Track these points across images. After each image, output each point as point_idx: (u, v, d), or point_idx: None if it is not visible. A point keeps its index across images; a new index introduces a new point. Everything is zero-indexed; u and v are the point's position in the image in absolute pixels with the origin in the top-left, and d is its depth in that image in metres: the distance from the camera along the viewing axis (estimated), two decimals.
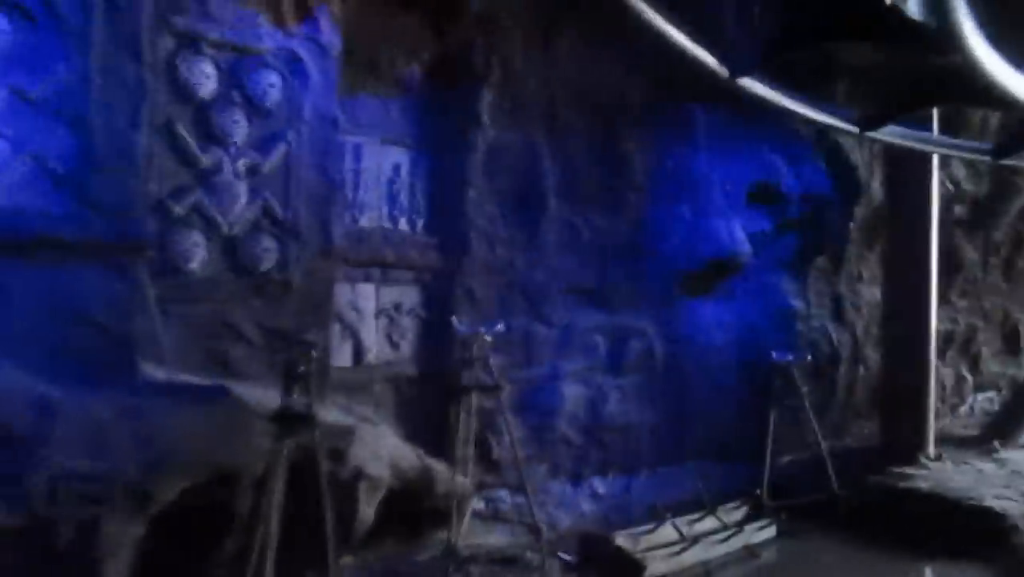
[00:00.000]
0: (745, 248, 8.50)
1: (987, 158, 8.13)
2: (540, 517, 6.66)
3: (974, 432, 10.24)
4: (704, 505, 7.66)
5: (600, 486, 8.10)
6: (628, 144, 8.14)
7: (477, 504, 7.03)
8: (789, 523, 7.79)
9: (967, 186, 10.88)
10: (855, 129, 7.02)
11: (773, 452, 8.22)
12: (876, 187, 9.93)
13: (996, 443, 9.34)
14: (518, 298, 7.64)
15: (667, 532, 7.00)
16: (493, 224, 7.40)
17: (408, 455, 6.10)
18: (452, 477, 6.26)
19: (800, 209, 9.02)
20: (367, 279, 6.79)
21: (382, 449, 5.81)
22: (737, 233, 8.49)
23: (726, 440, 8.58)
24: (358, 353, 6.75)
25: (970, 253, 11.14)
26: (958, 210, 10.81)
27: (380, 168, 6.93)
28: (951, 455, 9.00)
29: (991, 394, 11.46)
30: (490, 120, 7.30)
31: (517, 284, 7.62)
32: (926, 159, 8.86)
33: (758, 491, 7.93)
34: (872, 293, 10.10)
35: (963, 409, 11.21)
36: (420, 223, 7.19)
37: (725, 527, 7.37)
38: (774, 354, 8.32)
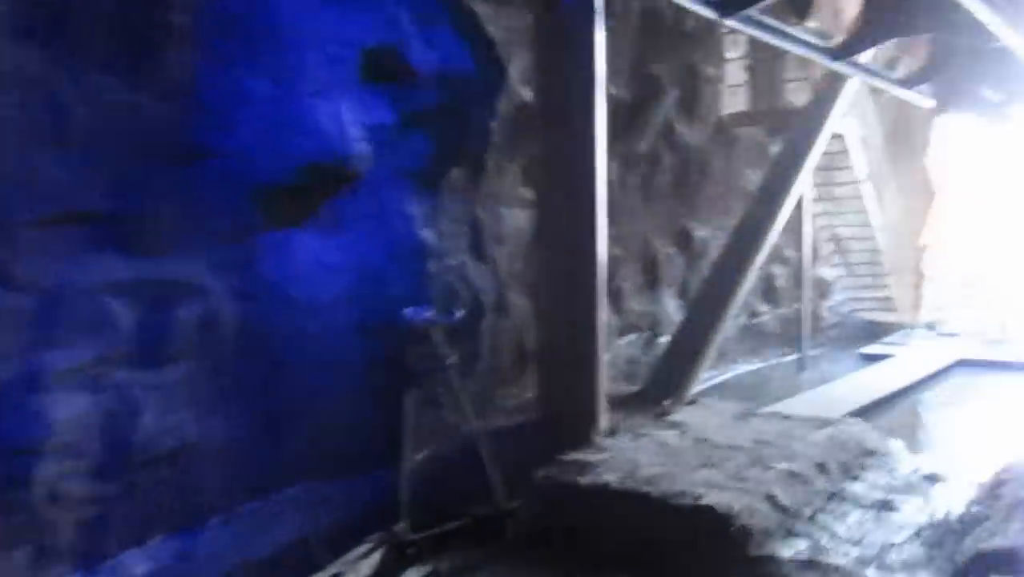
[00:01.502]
0: (360, 148, 5.69)
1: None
2: None
3: (632, 387, 8.80)
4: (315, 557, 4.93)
5: (137, 562, 4.84)
6: None
7: None
8: (443, 559, 5.39)
9: (608, 87, 9.24)
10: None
11: (413, 452, 5.72)
12: (517, 75, 7.74)
13: (666, 402, 7.87)
14: None
15: None
16: None
17: None
18: None
19: (437, 96, 6.44)
20: None
21: None
22: (348, 125, 5.64)
23: (346, 444, 5.82)
24: None
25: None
26: None
27: None
28: (622, 423, 7.28)
29: (634, 337, 10.22)
30: None
31: None
32: (589, 42, 6.81)
33: (398, 525, 5.36)
34: (516, 218, 7.99)
35: (607, 357, 9.75)
36: None
37: None
38: (407, 311, 5.71)
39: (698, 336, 8.89)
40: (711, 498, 5.55)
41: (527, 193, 7.96)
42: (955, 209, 15.31)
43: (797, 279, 13.78)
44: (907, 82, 12.76)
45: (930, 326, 13.70)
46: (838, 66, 10.22)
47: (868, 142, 14.09)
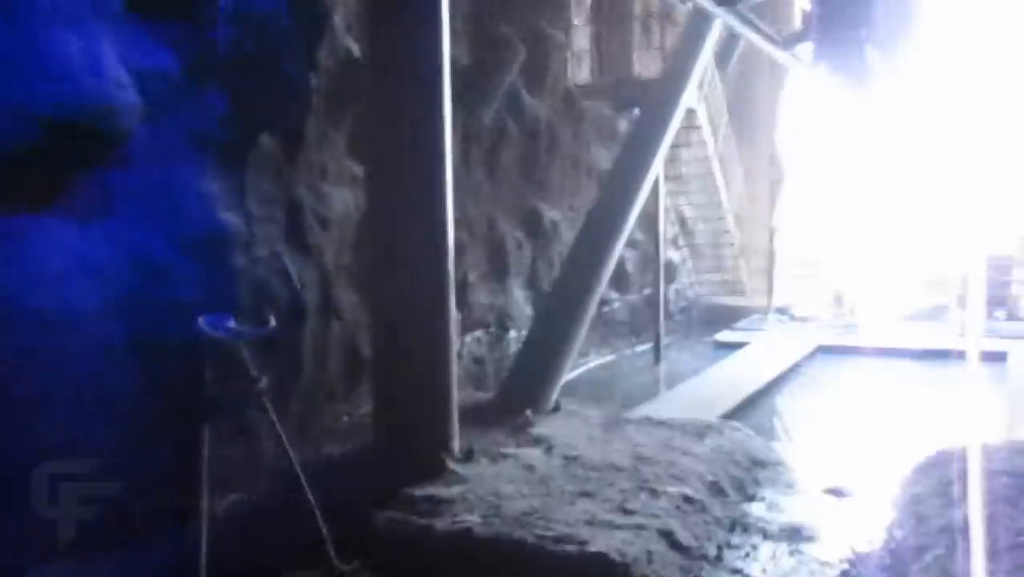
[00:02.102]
0: (128, 99, 4.25)
1: None
2: None
3: (482, 393, 7.72)
4: None
5: None
6: None
7: None
8: None
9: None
10: None
11: (213, 502, 4.38)
12: (342, 22, 6.45)
13: (527, 413, 6.84)
14: None
15: None
16: None
17: None
18: None
19: (238, 40, 5.05)
20: None
21: None
22: (110, 67, 4.18)
23: (114, 504, 4.36)
24: None
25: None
26: None
27: None
28: (478, 441, 6.18)
29: (480, 333, 9.15)
30: None
31: None
32: None
33: None
34: (343, 198, 6.70)
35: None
36: None
37: None
38: (203, 321, 4.33)
39: (558, 332, 7.91)
40: (600, 543, 4.53)
41: (356, 168, 6.70)
42: (804, 189, 15.27)
43: (646, 263, 13.20)
44: (785, 43, 12.30)
45: (781, 311, 13.46)
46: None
47: (715, 120, 13.68)
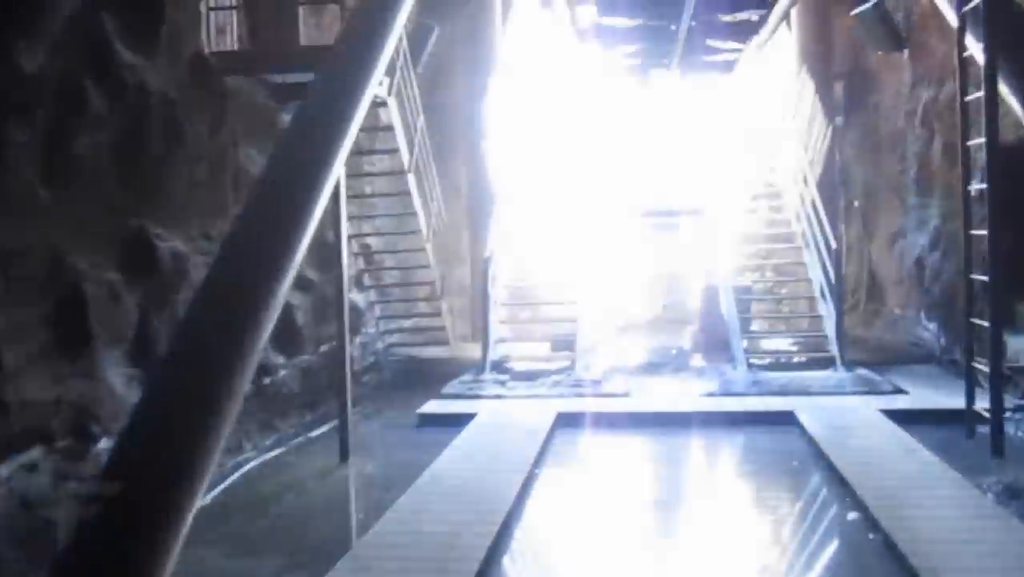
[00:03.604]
0: None
1: None
2: None
3: None
4: None
5: None
6: None
7: None
8: None
9: None
10: None
11: None
12: None
13: None
14: None
15: None
16: None
17: None
18: None
19: None
20: None
21: None
22: None
23: None
24: None
25: None
26: None
27: None
28: None
29: (35, 455, 5.20)
30: None
31: None
32: None
33: None
34: None
35: None
36: None
37: None
38: None
39: (177, 438, 4.23)
40: None
41: None
42: (518, 210, 12.76)
43: (323, 310, 9.86)
44: None
45: (499, 365, 10.68)
46: None
47: (409, 122, 10.68)
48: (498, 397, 9.48)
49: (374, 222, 11.58)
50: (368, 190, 11.19)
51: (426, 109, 12.73)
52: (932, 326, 11.15)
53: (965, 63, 6.95)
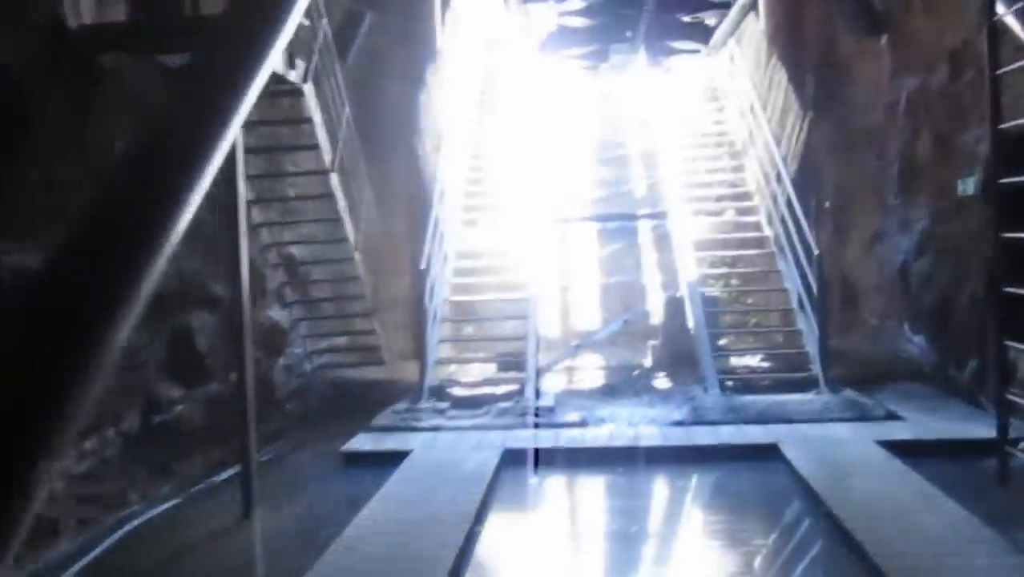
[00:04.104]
0: None
1: None
2: None
3: None
4: None
5: None
6: None
7: None
8: None
9: None
10: None
11: None
12: None
13: None
14: None
15: None
16: None
17: None
18: None
19: None
20: None
21: None
22: None
23: None
24: None
25: None
26: None
27: None
28: None
29: None
30: None
31: None
32: None
33: None
34: None
35: None
36: None
37: None
38: None
39: None
40: None
41: None
42: (463, 217, 11.53)
43: (228, 331, 8.54)
44: None
45: (439, 390, 9.43)
46: None
47: (333, 114, 9.39)
48: (436, 429, 8.24)
49: (299, 229, 10.26)
50: (292, 193, 9.88)
51: (362, 107, 11.47)
52: (919, 339, 10.12)
53: (996, 30, 5.81)
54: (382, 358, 10.75)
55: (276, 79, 7.63)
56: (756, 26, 12.35)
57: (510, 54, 15.33)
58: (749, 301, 12.17)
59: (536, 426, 8.11)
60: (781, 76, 11.24)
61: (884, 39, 10.91)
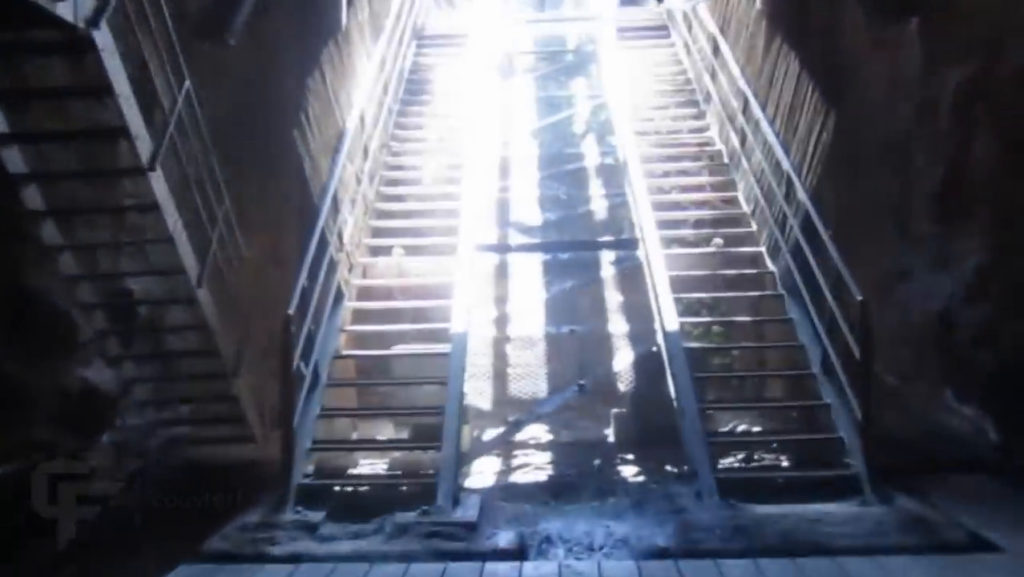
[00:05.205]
0: None
1: None
2: None
3: None
4: None
5: None
6: None
7: None
8: None
9: None
10: None
11: None
12: None
13: None
14: None
15: None
16: None
17: None
18: None
19: None
20: None
21: None
22: None
23: None
24: None
25: None
26: None
27: None
28: None
29: None
30: None
31: None
32: None
33: None
34: None
35: None
36: None
37: None
38: None
39: None
40: None
41: None
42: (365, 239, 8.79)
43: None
44: None
45: (312, 492, 6.60)
46: None
47: (159, 85, 6.58)
48: (296, 560, 5.44)
49: (134, 256, 7.41)
50: (112, 202, 7.03)
51: (253, 108, 8.81)
52: (970, 412, 7.61)
53: None
54: (251, 434, 7.92)
55: (40, 18, 4.89)
56: (749, 8, 9.90)
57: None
58: (737, 354, 9.51)
59: (450, 557, 5.35)
60: (788, 66, 8.77)
61: (914, 24, 8.51)
